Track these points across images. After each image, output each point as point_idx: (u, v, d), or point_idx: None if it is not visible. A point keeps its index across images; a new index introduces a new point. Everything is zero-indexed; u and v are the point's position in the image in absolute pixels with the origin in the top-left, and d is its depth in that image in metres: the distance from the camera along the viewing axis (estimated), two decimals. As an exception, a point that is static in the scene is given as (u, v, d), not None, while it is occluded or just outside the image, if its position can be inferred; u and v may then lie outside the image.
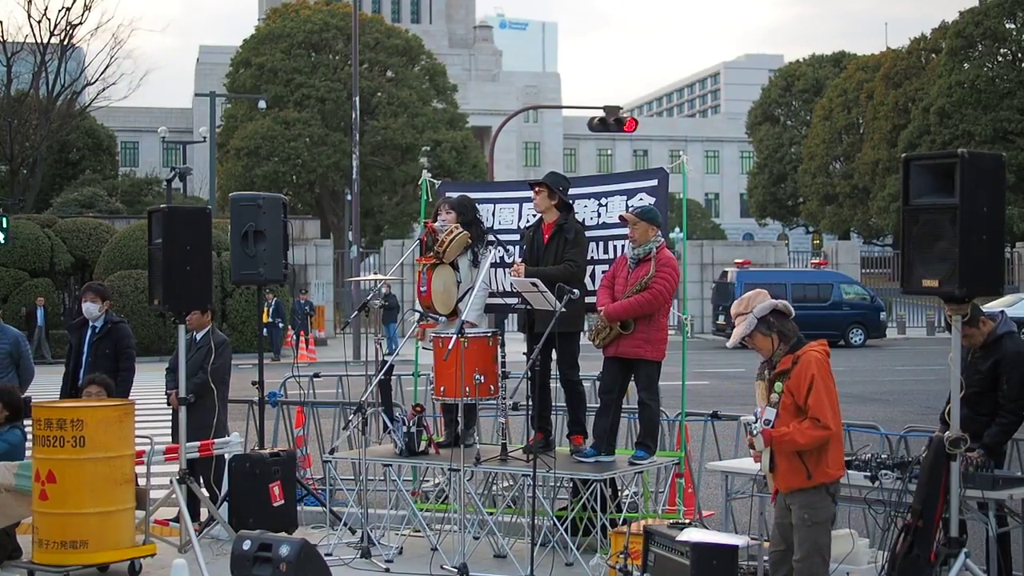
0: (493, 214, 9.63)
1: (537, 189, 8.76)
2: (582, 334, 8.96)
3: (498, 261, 9.25)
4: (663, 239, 8.36)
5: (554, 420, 9.70)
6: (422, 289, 8.76)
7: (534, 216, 9.25)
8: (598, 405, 8.82)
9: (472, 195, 9.43)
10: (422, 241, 8.92)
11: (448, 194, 9.51)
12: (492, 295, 9.34)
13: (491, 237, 9.24)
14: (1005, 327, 7.34)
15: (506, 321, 10.31)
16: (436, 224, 8.95)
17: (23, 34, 48.65)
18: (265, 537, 7.14)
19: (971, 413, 6.99)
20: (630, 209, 8.66)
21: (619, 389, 8.46)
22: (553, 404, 9.30)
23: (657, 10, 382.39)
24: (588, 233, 9.07)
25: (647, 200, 8.86)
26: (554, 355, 8.75)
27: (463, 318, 8.42)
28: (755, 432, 6.07)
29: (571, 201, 8.91)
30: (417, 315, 9.14)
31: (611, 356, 8.38)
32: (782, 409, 5.99)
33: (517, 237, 9.44)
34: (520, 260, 8.88)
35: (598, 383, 10.60)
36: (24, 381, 9.86)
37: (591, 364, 9.87)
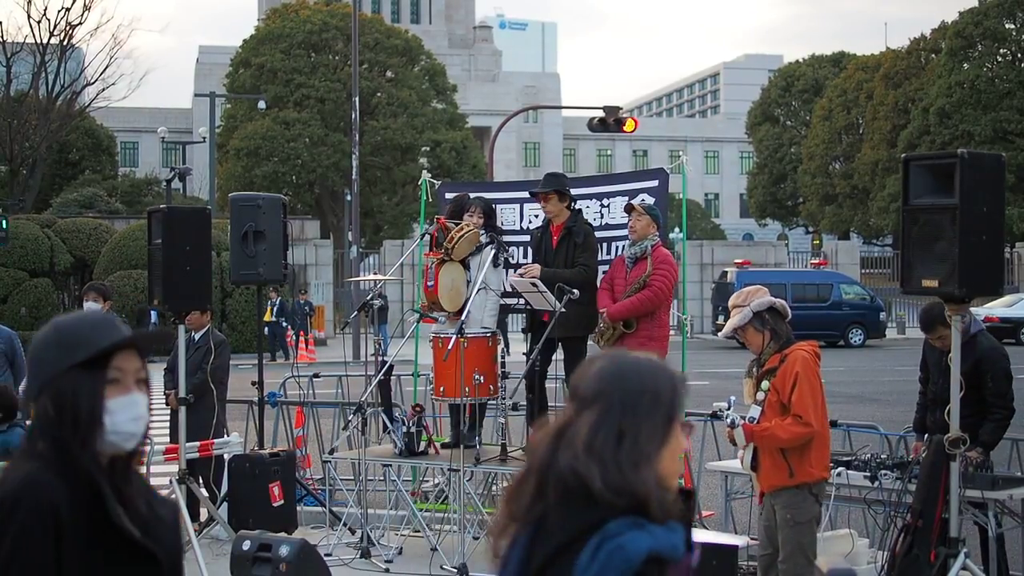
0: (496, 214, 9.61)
1: (547, 197, 8.68)
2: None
3: (502, 263, 9.21)
4: (659, 239, 8.38)
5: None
6: (429, 284, 8.71)
7: (536, 216, 9.23)
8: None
9: (472, 195, 9.40)
10: (432, 236, 8.86)
11: (476, 195, 9.35)
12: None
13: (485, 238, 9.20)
14: (976, 326, 7.34)
15: (508, 321, 10.30)
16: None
17: (23, 34, 48.53)
18: (265, 537, 7.14)
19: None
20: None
21: None
22: (554, 404, 9.29)
23: (656, 10, 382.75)
24: None
25: (648, 200, 8.87)
26: (554, 356, 8.73)
27: (482, 326, 8.42)
28: (729, 422, 6.10)
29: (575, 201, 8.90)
30: (416, 315, 9.13)
31: None
32: (767, 407, 5.99)
33: (518, 238, 9.43)
34: (527, 261, 8.84)
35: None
36: (19, 380, 9.88)
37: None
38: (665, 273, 8.19)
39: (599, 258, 9.09)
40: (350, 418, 9.37)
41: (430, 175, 10.73)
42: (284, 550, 6.91)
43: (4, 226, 30.13)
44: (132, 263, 30.36)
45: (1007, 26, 55.66)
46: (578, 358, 8.66)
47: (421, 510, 9.26)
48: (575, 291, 7.99)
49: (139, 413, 2.52)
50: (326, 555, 7.86)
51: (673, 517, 2.13)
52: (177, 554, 2.58)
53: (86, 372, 2.45)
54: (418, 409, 9.04)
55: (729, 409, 6.10)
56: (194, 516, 8.84)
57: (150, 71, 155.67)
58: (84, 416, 2.43)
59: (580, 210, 8.87)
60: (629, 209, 8.49)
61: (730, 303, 6.30)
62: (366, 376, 9.20)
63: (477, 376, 8.17)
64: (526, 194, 9.45)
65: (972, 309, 7.47)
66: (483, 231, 8.75)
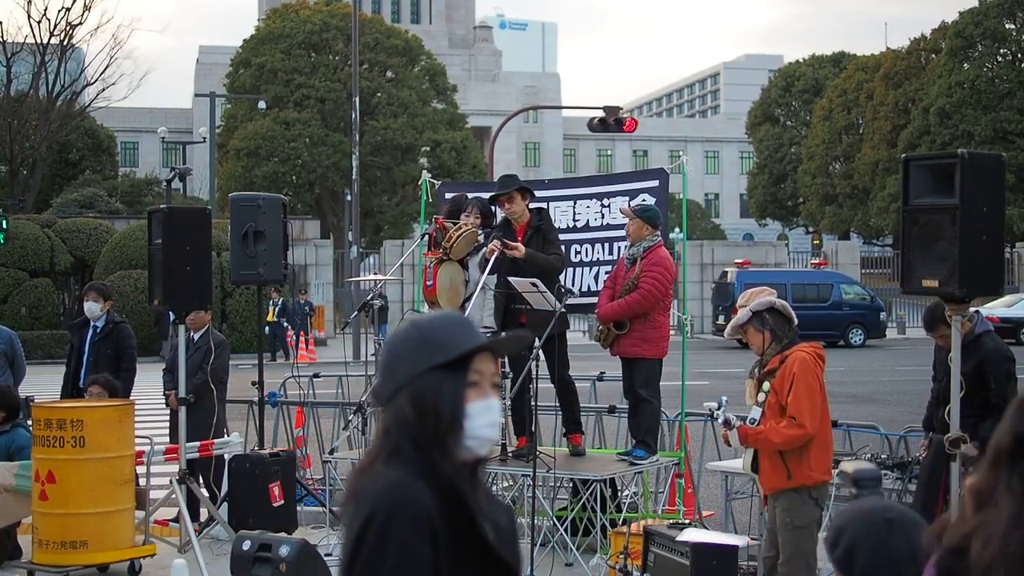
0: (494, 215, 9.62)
1: (508, 198, 8.62)
2: (582, 334, 8.95)
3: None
4: (660, 239, 8.35)
5: (553, 420, 9.69)
6: (428, 283, 8.72)
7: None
8: (605, 408, 8.74)
9: (470, 195, 9.39)
10: (431, 236, 8.86)
11: (474, 195, 9.34)
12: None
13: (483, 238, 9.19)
14: (982, 326, 7.33)
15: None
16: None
17: (23, 34, 48.53)
18: (265, 537, 7.13)
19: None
20: (632, 205, 8.69)
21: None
22: (554, 404, 9.30)
23: (656, 10, 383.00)
24: (592, 234, 9.12)
25: (648, 201, 8.87)
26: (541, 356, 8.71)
27: (482, 326, 8.40)
28: (723, 421, 6.05)
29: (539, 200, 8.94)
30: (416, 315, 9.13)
31: (617, 356, 8.42)
32: (767, 408, 5.94)
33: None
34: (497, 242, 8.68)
35: (597, 383, 10.63)
36: (19, 380, 9.91)
37: (591, 365, 9.87)
38: (656, 275, 8.14)
39: (602, 259, 9.11)
40: (350, 418, 9.37)
41: (430, 175, 10.72)
42: (284, 550, 6.91)
43: (4, 226, 30.14)
44: (132, 263, 30.36)
45: (1007, 26, 55.67)
46: (561, 353, 8.62)
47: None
48: (575, 291, 8.00)
49: (495, 418, 2.40)
50: (326, 555, 7.85)
51: None
52: (520, 560, 2.45)
53: (448, 374, 2.34)
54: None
55: (720, 409, 6.07)
56: (194, 516, 8.84)
57: (150, 71, 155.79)
58: (446, 419, 2.32)
59: (543, 208, 8.85)
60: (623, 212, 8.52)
61: (738, 303, 6.31)
62: (366, 376, 9.20)
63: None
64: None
65: (972, 309, 7.45)
66: (481, 231, 8.76)
